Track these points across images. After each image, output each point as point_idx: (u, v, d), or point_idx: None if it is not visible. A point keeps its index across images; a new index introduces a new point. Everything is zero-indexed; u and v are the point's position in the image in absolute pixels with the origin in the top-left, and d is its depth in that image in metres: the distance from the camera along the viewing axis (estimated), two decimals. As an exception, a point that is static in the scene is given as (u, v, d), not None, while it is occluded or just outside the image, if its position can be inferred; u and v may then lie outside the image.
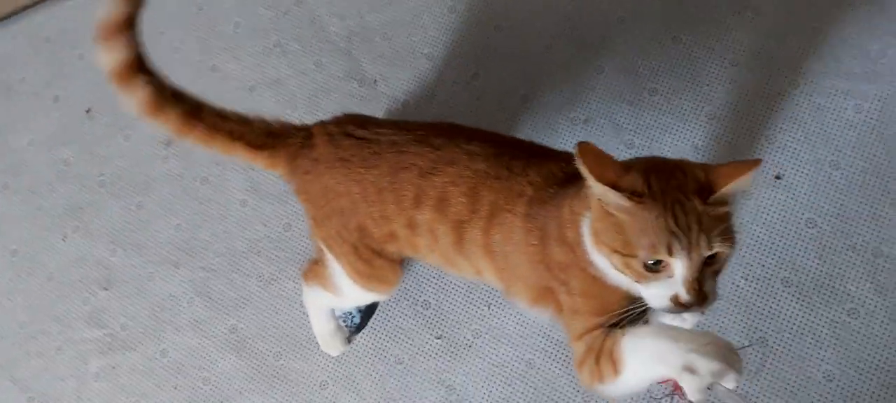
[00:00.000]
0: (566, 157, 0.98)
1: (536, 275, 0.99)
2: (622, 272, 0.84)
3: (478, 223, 1.01)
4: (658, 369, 0.83)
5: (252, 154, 1.07)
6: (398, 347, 1.37)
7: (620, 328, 0.89)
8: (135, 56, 1.00)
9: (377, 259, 1.12)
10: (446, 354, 1.35)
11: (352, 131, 1.06)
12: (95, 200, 1.59)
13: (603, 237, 0.84)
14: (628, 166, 0.83)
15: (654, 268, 0.80)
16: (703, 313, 0.87)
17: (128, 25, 0.98)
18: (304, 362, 1.40)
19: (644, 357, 0.84)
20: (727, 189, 0.80)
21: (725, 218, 0.81)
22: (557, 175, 0.97)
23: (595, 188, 0.82)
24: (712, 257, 0.80)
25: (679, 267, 0.79)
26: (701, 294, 0.79)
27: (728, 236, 0.80)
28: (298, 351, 1.41)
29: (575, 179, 0.90)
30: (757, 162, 0.80)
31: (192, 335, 1.46)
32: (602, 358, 0.89)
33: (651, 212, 0.79)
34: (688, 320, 1.13)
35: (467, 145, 1.02)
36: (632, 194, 0.79)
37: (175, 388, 1.44)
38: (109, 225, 1.57)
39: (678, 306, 0.81)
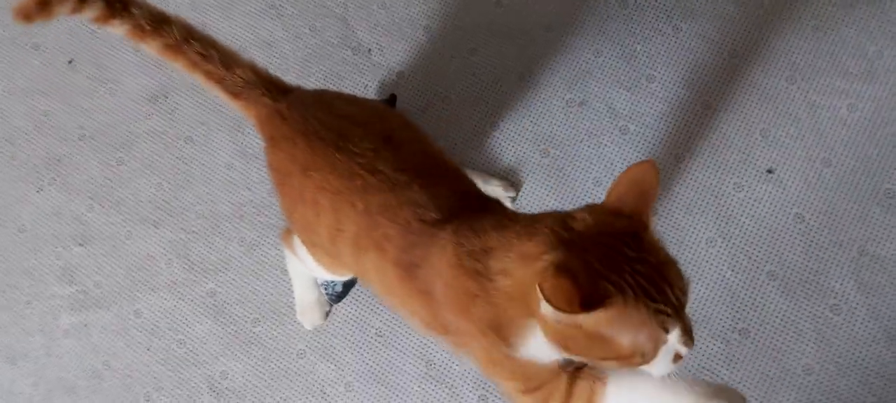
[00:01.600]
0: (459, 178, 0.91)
1: (422, 318, 0.91)
2: (614, 367, 0.74)
3: (344, 241, 0.94)
4: None
5: (230, 99, 1.07)
6: (379, 319, 1.37)
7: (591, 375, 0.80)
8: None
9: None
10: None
11: (294, 114, 1.01)
12: (74, 153, 1.56)
13: (579, 349, 0.72)
14: (569, 262, 0.69)
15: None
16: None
17: None
18: (282, 329, 1.40)
19: None
20: (648, 220, 0.72)
21: (666, 251, 0.73)
22: (443, 207, 0.86)
23: (569, 320, 0.69)
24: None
25: (675, 335, 0.72)
26: (691, 334, 0.73)
27: (680, 271, 0.73)
28: (277, 319, 1.40)
29: (455, 211, 0.83)
30: (650, 164, 0.72)
31: (169, 296, 1.45)
32: None
33: (626, 307, 0.68)
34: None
35: (357, 145, 0.94)
36: (601, 315, 0.68)
37: (148, 350, 1.43)
38: (88, 180, 1.54)
39: (679, 361, 0.75)
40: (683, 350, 0.73)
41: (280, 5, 1.58)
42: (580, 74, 1.44)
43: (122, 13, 1.00)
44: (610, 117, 1.40)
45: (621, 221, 0.71)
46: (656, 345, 0.70)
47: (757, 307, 1.28)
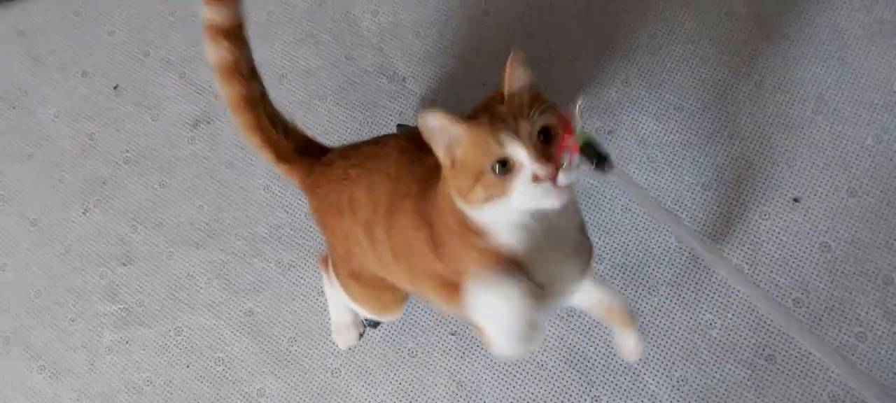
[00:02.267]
0: None
1: (433, 265, 1.01)
2: (492, 196, 0.85)
3: (380, 220, 1.06)
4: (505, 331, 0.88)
5: (277, 162, 1.19)
6: (412, 340, 1.42)
7: None
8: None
9: (381, 290, 1.20)
10: (460, 351, 1.40)
11: (329, 159, 1.17)
12: (119, 176, 1.64)
13: (458, 183, 0.87)
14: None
15: (506, 170, 0.83)
16: (569, 175, 0.85)
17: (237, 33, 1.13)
18: (317, 348, 1.45)
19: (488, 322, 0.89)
20: (512, 86, 0.86)
21: (537, 98, 0.86)
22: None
23: (447, 135, 0.85)
24: (548, 131, 0.84)
25: (517, 151, 0.82)
26: (550, 157, 0.83)
27: (544, 105, 0.85)
28: (313, 338, 1.46)
29: None
30: (518, 53, 0.87)
31: (208, 315, 1.51)
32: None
33: (477, 128, 0.84)
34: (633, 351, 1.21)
35: (374, 146, 1.11)
36: (460, 118, 0.85)
37: (187, 367, 1.49)
38: (131, 202, 1.61)
39: (544, 181, 0.83)
40: (537, 167, 0.82)
41: (317, 34, 1.65)
42: (609, 103, 1.48)
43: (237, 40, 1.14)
44: (638, 145, 1.45)
45: (497, 94, 0.88)
46: (492, 154, 0.83)
47: (784, 334, 1.31)
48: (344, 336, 1.42)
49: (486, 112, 0.86)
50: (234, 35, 1.12)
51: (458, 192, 0.88)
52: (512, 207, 0.86)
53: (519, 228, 0.90)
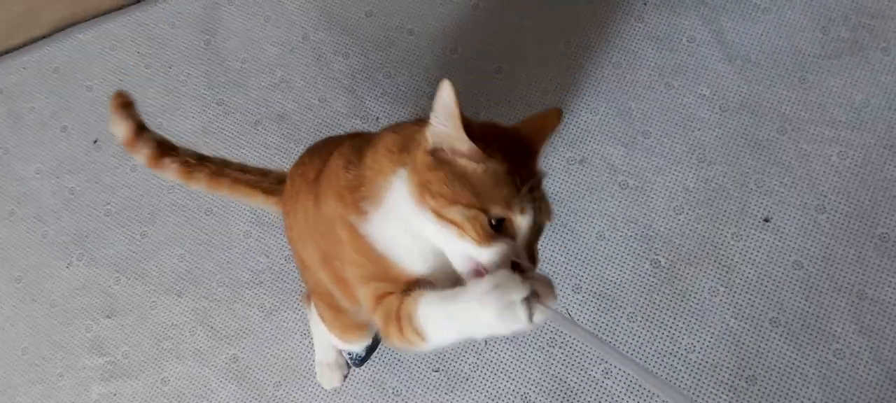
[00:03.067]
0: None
1: (315, 241, 1.00)
2: (461, 229, 0.78)
3: (311, 210, 1.02)
4: (465, 333, 0.81)
5: (266, 199, 1.23)
6: (396, 379, 1.43)
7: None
8: (157, 145, 1.22)
9: (340, 312, 1.19)
10: (444, 386, 1.42)
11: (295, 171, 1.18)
12: (101, 229, 1.66)
13: (439, 187, 0.78)
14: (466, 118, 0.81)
15: (498, 228, 0.78)
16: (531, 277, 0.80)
17: (140, 128, 1.22)
18: (303, 392, 1.47)
19: (444, 326, 0.81)
20: (543, 149, 0.84)
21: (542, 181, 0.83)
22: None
23: (448, 131, 0.78)
24: (540, 228, 0.83)
25: (523, 229, 0.79)
26: (534, 257, 0.80)
27: (550, 206, 0.83)
28: (298, 382, 1.47)
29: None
30: (558, 112, 0.84)
31: (194, 363, 1.53)
32: (405, 328, 0.84)
33: (502, 167, 0.78)
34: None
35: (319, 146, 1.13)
36: (483, 146, 0.78)
37: (175, 417, 1.51)
38: (114, 254, 1.64)
39: (515, 269, 0.79)
40: (525, 259, 0.79)
41: (290, 79, 1.68)
42: (579, 133, 1.51)
43: (171, 153, 1.21)
44: (609, 173, 1.48)
45: (519, 136, 0.84)
46: (508, 209, 0.77)
47: (762, 354, 1.33)
48: (328, 377, 1.44)
49: (511, 155, 0.80)
50: (167, 154, 1.21)
51: (421, 184, 0.80)
52: (460, 249, 0.80)
53: (430, 254, 0.85)
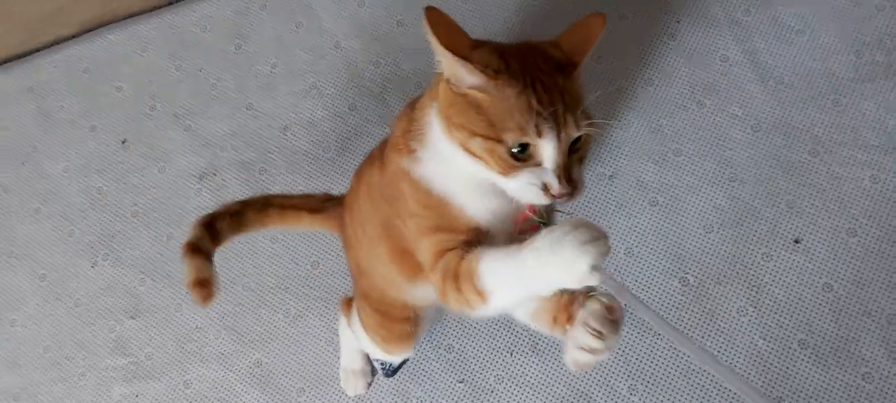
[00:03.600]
0: None
1: (377, 215, 0.99)
2: (484, 162, 0.77)
3: (365, 207, 1.05)
4: (532, 288, 0.75)
5: (312, 219, 1.26)
6: (420, 389, 1.44)
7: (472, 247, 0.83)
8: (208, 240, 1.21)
9: (387, 318, 1.22)
10: (468, 398, 1.42)
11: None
12: (127, 229, 1.67)
13: (459, 119, 0.77)
14: (479, 43, 0.79)
15: (521, 156, 0.76)
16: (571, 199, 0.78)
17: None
18: (326, 399, 1.47)
19: (507, 279, 0.77)
20: (586, 58, 0.79)
21: (583, 96, 0.78)
22: None
23: (445, 61, 0.78)
24: (577, 141, 0.78)
25: (548, 152, 0.75)
26: (572, 181, 0.77)
27: (590, 116, 0.78)
28: (321, 388, 1.48)
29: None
30: (602, 17, 0.79)
31: (217, 367, 1.54)
32: (464, 286, 0.80)
33: (512, 89, 0.75)
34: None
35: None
36: (487, 69, 0.75)
37: (197, 420, 1.51)
38: (140, 255, 1.65)
39: (548, 196, 0.77)
40: (555, 183, 0.75)
41: (321, 85, 1.70)
42: (609, 149, 1.53)
43: (216, 228, 1.22)
44: (639, 190, 1.49)
45: (556, 51, 0.79)
46: (522, 135, 0.74)
47: (789, 376, 1.33)
48: (352, 383, 1.44)
49: (537, 70, 0.76)
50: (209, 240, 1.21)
51: (446, 116, 0.79)
52: (498, 183, 0.78)
53: (486, 194, 0.82)
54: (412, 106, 0.90)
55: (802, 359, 1.33)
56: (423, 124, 0.84)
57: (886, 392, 1.29)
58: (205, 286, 1.12)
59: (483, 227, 0.84)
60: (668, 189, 1.48)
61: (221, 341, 1.55)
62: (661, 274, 1.42)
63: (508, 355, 1.43)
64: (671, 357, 1.37)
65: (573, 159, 0.78)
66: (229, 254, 1.61)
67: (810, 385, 1.32)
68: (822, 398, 1.31)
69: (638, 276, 1.43)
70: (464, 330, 1.46)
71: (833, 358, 1.33)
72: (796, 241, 1.40)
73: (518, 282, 0.76)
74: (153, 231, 1.66)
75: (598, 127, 0.78)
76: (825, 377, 1.32)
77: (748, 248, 1.41)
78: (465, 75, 0.76)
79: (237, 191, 1.65)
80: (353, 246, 1.18)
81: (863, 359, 1.32)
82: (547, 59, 0.78)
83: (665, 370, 1.37)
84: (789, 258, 1.39)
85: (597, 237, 0.71)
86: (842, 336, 1.34)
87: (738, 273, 1.40)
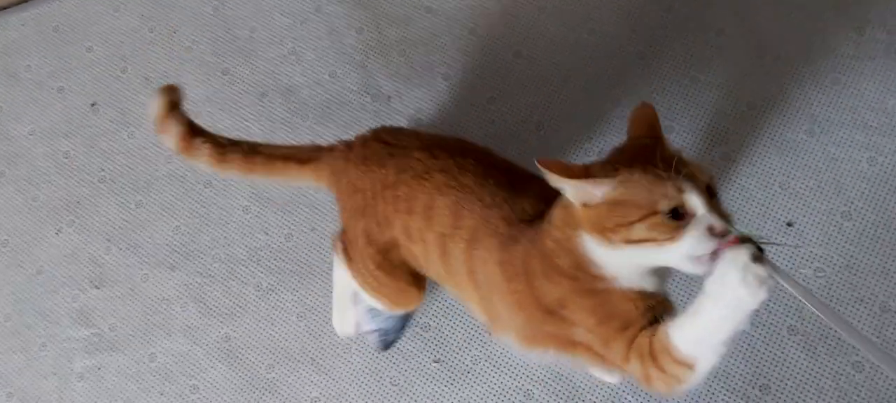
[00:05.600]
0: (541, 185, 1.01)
1: (529, 320, 1.04)
2: (654, 239, 0.86)
3: (459, 241, 1.08)
4: (725, 332, 0.87)
5: (300, 169, 1.22)
6: (395, 368, 1.42)
7: (653, 323, 0.93)
8: (187, 127, 1.20)
9: (386, 274, 1.20)
10: (444, 379, 1.40)
11: (383, 137, 1.19)
12: (94, 195, 1.65)
13: (613, 220, 0.88)
14: (586, 165, 0.92)
15: (679, 217, 0.85)
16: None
17: (174, 108, 1.21)
18: (296, 376, 1.45)
19: (703, 334, 0.87)
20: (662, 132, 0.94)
21: (681, 155, 0.90)
22: (528, 211, 1.04)
23: (572, 189, 0.90)
24: (709, 188, 0.88)
25: (695, 200, 0.85)
26: (725, 216, 0.86)
27: (697, 165, 0.90)
28: (291, 365, 1.46)
29: (543, 214, 0.99)
30: (648, 106, 0.95)
31: (183, 341, 1.52)
32: (665, 363, 0.91)
33: (637, 173, 0.87)
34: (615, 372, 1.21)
35: (462, 158, 1.11)
36: (609, 172, 0.88)
37: (161, 395, 1.49)
38: (106, 222, 1.62)
39: (716, 236, 0.85)
40: (716, 220, 0.84)
41: (301, 51, 1.68)
42: (599, 124, 1.51)
43: (202, 134, 1.21)
44: (628, 167, 1.47)
45: (636, 141, 0.94)
46: (671, 198, 0.85)
47: (777, 362, 1.31)
48: (341, 324, 1.42)
49: (636, 158, 0.89)
50: (199, 134, 1.21)
51: (598, 231, 0.90)
52: (672, 254, 0.87)
53: (648, 274, 0.94)
54: (551, 234, 0.98)
55: (791, 346, 1.32)
56: (577, 250, 0.95)
57: (876, 382, 1.28)
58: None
59: (656, 296, 0.96)
60: (657, 167, 1.46)
61: (188, 314, 1.53)
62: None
63: (487, 335, 1.41)
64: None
65: (715, 203, 0.88)
66: (198, 223, 1.59)
67: (798, 373, 1.30)
68: (811, 386, 1.29)
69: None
70: (441, 310, 1.44)
71: (822, 346, 1.31)
72: (789, 224, 1.39)
73: (713, 331, 0.87)
74: (121, 198, 1.64)
75: (713, 172, 0.91)
76: (814, 364, 1.30)
77: (739, 230, 1.39)
78: (594, 190, 0.88)
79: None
80: (407, 235, 1.14)
81: (853, 348, 1.30)
82: (636, 147, 0.92)
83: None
84: (781, 240, 1.37)
85: (750, 251, 0.82)
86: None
87: (727, 255, 1.38)
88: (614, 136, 1.49)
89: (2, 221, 1.67)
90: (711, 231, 0.84)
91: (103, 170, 1.67)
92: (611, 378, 1.34)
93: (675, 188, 0.85)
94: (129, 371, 1.52)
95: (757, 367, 1.31)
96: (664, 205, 0.85)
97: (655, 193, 0.85)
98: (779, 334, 1.33)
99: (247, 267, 1.54)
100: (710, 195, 0.88)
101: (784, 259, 1.36)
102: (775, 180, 1.41)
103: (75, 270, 1.61)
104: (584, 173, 0.89)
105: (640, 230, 0.86)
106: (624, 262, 0.92)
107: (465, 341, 1.42)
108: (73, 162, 1.69)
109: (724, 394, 1.31)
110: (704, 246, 0.85)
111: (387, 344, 1.42)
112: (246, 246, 1.56)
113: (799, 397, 1.29)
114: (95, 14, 1.79)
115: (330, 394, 1.43)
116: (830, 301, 1.33)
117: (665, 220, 0.85)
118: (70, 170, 1.68)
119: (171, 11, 1.76)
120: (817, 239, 1.37)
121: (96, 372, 1.53)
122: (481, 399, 1.38)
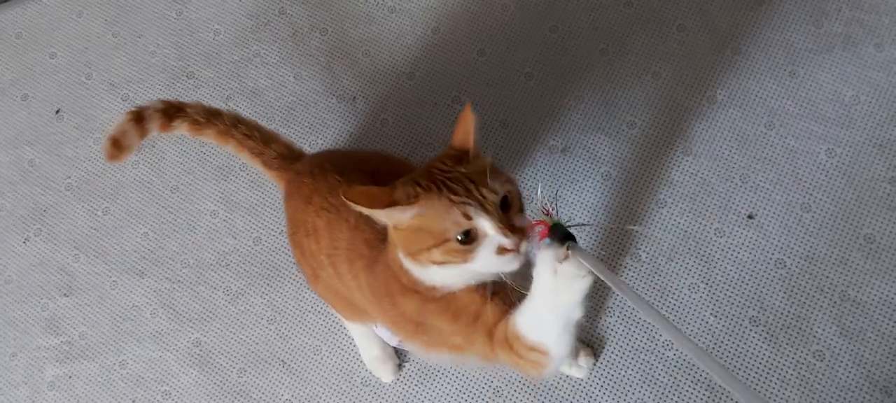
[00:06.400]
0: None
1: (410, 334, 1.09)
2: (450, 261, 0.91)
3: (343, 262, 1.12)
4: (558, 323, 0.92)
5: (266, 170, 1.30)
6: (365, 369, 1.44)
7: (505, 303, 0.97)
8: (163, 108, 1.22)
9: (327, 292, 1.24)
10: (414, 378, 1.43)
11: (316, 160, 1.23)
12: (60, 203, 1.65)
13: (415, 245, 0.92)
14: (394, 186, 0.94)
15: (469, 240, 0.89)
16: (526, 249, 0.91)
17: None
18: (267, 379, 1.47)
19: (543, 327, 0.93)
20: (475, 146, 0.95)
21: (486, 166, 0.93)
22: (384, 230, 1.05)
23: (380, 217, 0.93)
24: (505, 200, 0.91)
25: (484, 223, 0.88)
26: (517, 229, 0.89)
27: (501, 175, 0.93)
28: (262, 368, 1.48)
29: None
30: (467, 108, 0.95)
31: (154, 347, 1.53)
32: (521, 350, 0.95)
33: (431, 200, 0.90)
34: (583, 367, 1.35)
35: (338, 174, 1.16)
36: (408, 200, 0.91)
37: (133, 402, 1.50)
38: (73, 230, 1.63)
39: (509, 252, 0.89)
40: (505, 240, 0.88)
41: (265, 53, 1.68)
42: (562, 121, 1.53)
43: (179, 115, 1.24)
44: (592, 163, 1.49)
45: (451, 151, 0.96)
46: (459, 224, 0.89)
47: (740, 353, 1.34)
48: (382, 369, 1.43)
49: (442, 174, 0.91)
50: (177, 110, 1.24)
51: (407, 253, 0.94)
52: (470, 270, 0.92)
53: (474, 280, 0.97)
54: (389, 252, 1.03)
55: (754, 336, 1.35)
56: (405, 267, 0.99)
57: (837, 371, 1.31)
58: (119, 148, 1.20)
59: (498, 282, 0.97)
60: (620, 162, 1.48)
61: (158, 320, 1.54)
62: (612, 249, 1.43)
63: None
64: (623, 337, 1.38)
65: (513, 214, 0.91)
66: (166, 229, 1.60)
67: (761, 363, 1.33)
68: (773, 375, 1.33)
69: (588, 251, 1.43)
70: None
71: (784, 336, 1.34)
72: (750, 216, 1.41)
73: (550, 322, 0.92)
74: (88, 205, 1.64)
75: (513, 181, 0.94)
76: (776, 354, 1.33)
77: (701, 223, 1.42)
78: (399, 216, 0.92)
79: (177, 163, 1.63)
80: (313, 259, 1.18)
81: (814, 337, 1.33)
82: (446, 161, 0.94)
83: (616, 350, 1.38)
84: (742, 233, 1.40)
85: (556, 252, 0.87)
86: (794, 314, 1.35)
87: (690, 248, 1.41)
88: (578, 133, 1.51)
89: (-32, 231, 1.67)
90: (502, 250, 0.89)
91: (69, 177, 1.67)
92: (579, 372, 1.37)
93: (463, 215, 0.88)
94: (100, 379, 1.53)
95: (720, 357, 1.34)
96: (453, 233, 0.89)
97: (446, 221, 0.89)
98: (741, 325, 1.36)
99: (216, 272, 1.55)
100: (508, 206, 0.91)
101: (746, 253, 1.39)
102: (736, 173, 1.44)
103: (44, 279, 1.61)
104: (390, 201, 0.91)
105: (437, 254, 0.91)
106: (443, 275, 0.96)
107: (433, 340, 1.44)
108: (38, 170, 1.69)
109: (689, 385, 1.34)
110: (496, 263, 0.90)
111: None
112: (214, 250, 1.57)
113: (763, 386, 1.32)
114: (58, 20, 1.79)
115: (302, 396, 1.45)
116: (792, 292, 1.36)
117: (456, 246, 0.89)
118: (36, 178, 1.68)
119: (135, 16, 1.76)
120: (778, 230, 1.40)
121: (67, 381, 1.54)
122: (451, 397, 1.40)
